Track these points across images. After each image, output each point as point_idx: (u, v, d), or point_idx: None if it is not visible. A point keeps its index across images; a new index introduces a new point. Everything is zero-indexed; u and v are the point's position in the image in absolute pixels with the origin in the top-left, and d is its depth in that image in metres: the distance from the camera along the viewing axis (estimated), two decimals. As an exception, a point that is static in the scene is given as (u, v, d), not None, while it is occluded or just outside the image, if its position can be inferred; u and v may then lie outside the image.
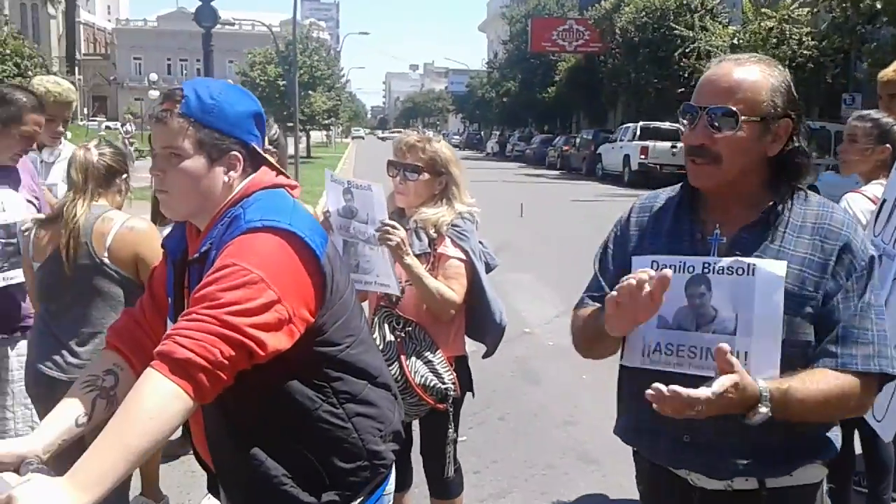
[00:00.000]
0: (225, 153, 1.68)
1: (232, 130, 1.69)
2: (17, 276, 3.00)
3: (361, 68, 77.10)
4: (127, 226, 2.67)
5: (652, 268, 1.67)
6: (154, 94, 55.41)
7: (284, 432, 1.67)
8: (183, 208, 1.71)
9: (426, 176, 2.76)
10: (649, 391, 1.49)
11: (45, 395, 2.66)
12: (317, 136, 48.86)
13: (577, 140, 33.19)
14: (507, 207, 13.85)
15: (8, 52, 25.47)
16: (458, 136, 72.38)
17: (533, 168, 34.31)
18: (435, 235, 2.71)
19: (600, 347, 1.83)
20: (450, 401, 2.69)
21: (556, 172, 31.60)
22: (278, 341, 1.52)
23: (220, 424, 1.68)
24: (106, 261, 2.64)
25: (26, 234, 2.82)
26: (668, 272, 1.52)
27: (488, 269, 2.83)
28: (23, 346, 3.10)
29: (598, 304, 1.83)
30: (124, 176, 2.83)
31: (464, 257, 2.70)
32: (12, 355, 3.12)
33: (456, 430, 2.83)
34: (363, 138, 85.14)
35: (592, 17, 35.58)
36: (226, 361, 1.45)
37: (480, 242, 2.83)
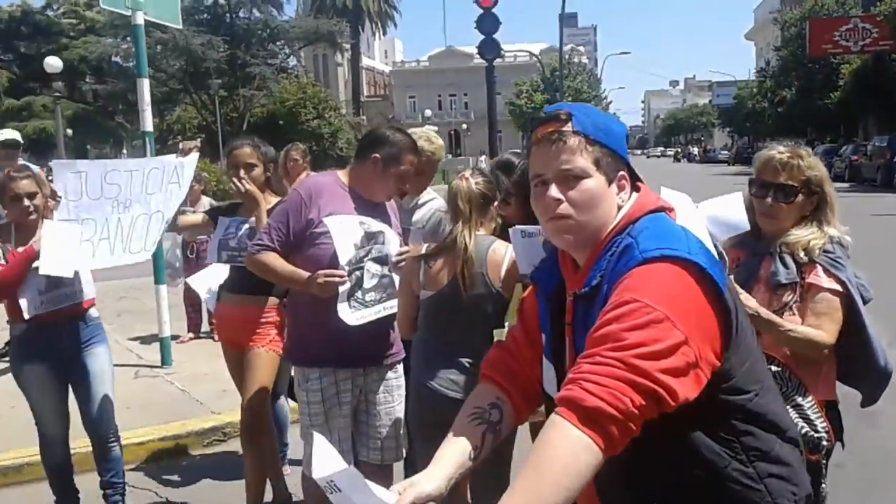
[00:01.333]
0: (616, 173, 1.59)
1: (618, 149, 1.59)
2: (393, 306, 3.16)
3: (621, 88, 76.08)
4: (512, 255, 2.74)
5: None
6: (430, 128, 59.08)
7: (689, 492, 1.52)
8: (582, 234, 1.58)
9: (800, 198, 2.49)
10: None
11: (447, 416, 2.77)
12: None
13: (869, 148, 29.92)
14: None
15: (308, 96, 28.76)
16: (725, 151, 68.58)
17: (817, 181, 31.33)
18: (805, 260, 2.42)
19: None
20: (822, 451, 2.39)
21: (845, 184, 28.61)
22: (686, 389, 1.37)
23: (617, 478, 1.54)
24: (500, 290, 2.76)
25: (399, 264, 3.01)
26: None
27: (863, 302, 2.49)
28: (389, 374, 3.30)
29: None
30: (495, 203, 2.92)
31: (839, 289, 2.38)
32: (381, 386, 3.31)
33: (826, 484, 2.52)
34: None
35: (881, 12, 31.99)
36: (636, 411, 1.33)
37: (854, 274, 2.49)
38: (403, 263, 3.12)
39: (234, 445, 5.27)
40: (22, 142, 6.94)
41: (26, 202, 3.70)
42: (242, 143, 3.95)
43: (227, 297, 3.97)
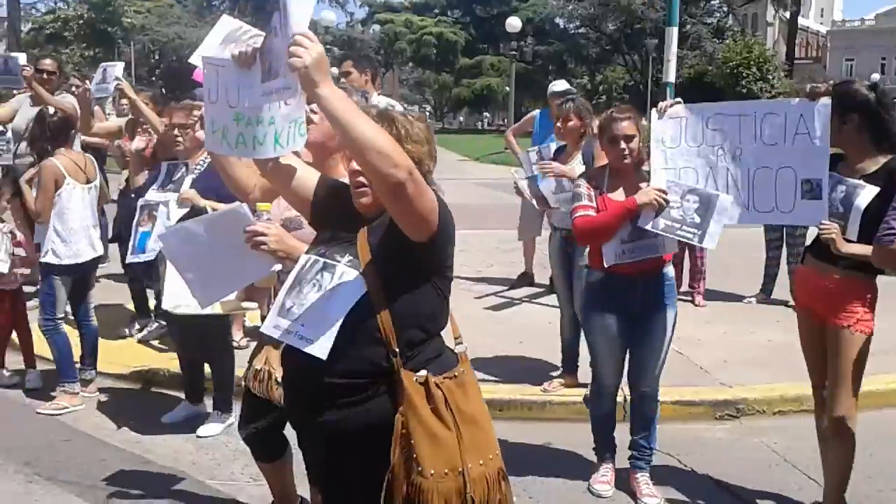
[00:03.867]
0: None
1: None
2: None
3: None
4: None
5: None
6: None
7: None
8: None
9: None
10: None
11: None
12: None
13: None
14: None
15: (753, 57, 27.06)
16: None
17: None
18: None
19: None
20: None
21: None
22: None
23: None
24: None
25: None
26: None
27: None
28: None
29: None
30: None
31: None
32: None
33: None
34: None
35: None
36: None
37: None
38: None
39: (748, 424, 4.89)
40: (574, 90, 7.17)
41: (623, 144, 3.61)
42: None
43: (810, 260, 3.47)
